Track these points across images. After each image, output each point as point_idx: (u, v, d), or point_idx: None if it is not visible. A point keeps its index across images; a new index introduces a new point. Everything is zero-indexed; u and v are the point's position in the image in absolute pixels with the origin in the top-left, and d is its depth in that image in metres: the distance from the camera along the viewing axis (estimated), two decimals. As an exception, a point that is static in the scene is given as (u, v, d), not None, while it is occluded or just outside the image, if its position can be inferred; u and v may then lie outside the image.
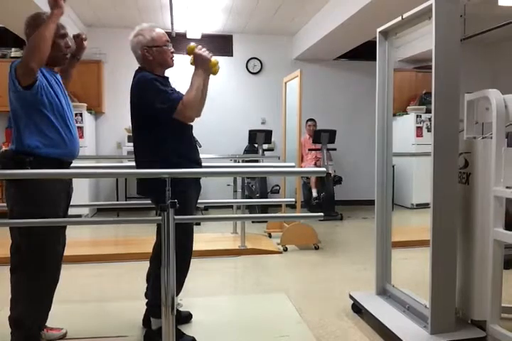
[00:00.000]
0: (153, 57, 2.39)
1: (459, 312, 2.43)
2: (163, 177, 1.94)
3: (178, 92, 2.39)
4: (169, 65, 2.47)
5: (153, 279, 2.40)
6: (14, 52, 6.43)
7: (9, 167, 2.15)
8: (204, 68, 2.38)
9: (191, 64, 2.41)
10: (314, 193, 6.70)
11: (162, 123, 2.32)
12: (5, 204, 2.25)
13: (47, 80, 2.24)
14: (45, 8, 4.63)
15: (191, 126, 2.50)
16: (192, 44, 2.41)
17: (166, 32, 2.49)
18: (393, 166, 3.01)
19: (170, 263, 1.90)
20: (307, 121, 6.98)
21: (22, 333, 2.23)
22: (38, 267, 2.21)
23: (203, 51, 2.39)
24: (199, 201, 2.63)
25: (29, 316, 2.23)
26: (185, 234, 2.34)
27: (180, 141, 2.41)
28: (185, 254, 2.38)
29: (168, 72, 2.51)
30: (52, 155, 2.23)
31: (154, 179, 2.26)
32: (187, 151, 2.45)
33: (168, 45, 2.43)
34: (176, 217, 1.91)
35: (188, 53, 2.41)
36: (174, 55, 2.48)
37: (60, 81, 2.38)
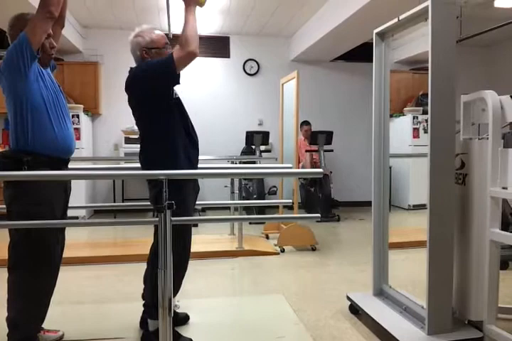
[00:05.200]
0: (151, 59, 2.40)
1: (455, 313, 2.43)
2: (160, 179, 1.93)
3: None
4: None
5: (150, 280, 2.39)
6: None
7: (9, 167, 2.13)
8: (195, 3, 2.37)
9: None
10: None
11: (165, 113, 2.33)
12: (4, 206, 2.25)
13: (42, 78, 2.26)
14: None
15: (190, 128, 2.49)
16: None
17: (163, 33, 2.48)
18: (390, 167, 3.02)
19: (167, 264, 1.90)
20: (302, 124, 6.80)
21: (18, 334, 2.22)
22: (35, 266, 2.20)
23: None
24: (196, 202, 2.62)
25: (26, 317, 2.23)
26: (184, 234, 2.34)
27: (182, 138, 2.40)
28: (183, 254, 2.38)
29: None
30: (50, 153, 2.24)
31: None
32: (189, 150, 2.44)
33: (166, 47, 2.43)
34: (173, 218, 1.91)
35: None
36: None
37: (53, 78, 2.39)
